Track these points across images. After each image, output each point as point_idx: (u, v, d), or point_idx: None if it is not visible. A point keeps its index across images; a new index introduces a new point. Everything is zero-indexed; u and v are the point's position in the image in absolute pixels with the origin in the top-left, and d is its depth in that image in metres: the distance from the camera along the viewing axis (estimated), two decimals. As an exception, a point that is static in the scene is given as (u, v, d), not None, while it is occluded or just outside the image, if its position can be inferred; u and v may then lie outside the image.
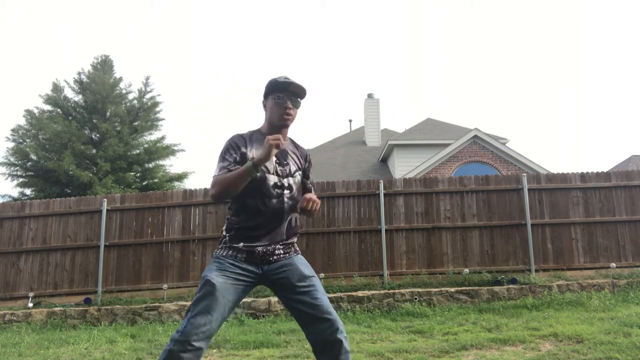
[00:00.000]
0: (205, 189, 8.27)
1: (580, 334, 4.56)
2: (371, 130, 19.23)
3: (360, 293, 7.13)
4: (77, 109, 17.45)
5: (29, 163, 16.67)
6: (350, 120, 27.49)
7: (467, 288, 7.14)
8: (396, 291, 7.12)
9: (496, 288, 7.07)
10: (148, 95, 18.43)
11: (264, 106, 2.35)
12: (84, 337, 5.82)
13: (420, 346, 4.54)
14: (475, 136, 13.86)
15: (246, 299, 6.96)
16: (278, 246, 2.27)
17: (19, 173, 16.72)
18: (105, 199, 8.32)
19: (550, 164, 19.28)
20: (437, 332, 5.20)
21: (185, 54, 66.58)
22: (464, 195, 8.21)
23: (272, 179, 2.24)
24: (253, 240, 2.21)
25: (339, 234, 8.10)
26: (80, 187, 15.56)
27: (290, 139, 2.43)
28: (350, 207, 8.21)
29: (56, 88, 17.25)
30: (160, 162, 18.09)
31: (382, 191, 8.15)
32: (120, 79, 18.15)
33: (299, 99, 2.32)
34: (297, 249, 2.40)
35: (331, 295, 7.09)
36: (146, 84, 18.44)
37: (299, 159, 2.40)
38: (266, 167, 2.22)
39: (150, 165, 17.85)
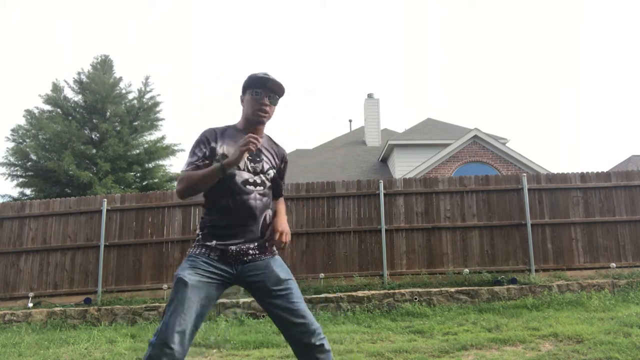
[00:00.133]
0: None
1: (580, 334, 4.56)
2: (371, 130, 19.24)
3: (360, 293, 7.13)
4: (77, 109, 17.45)
5: (29, 163, 16.67)
6: (350, 120, 27.52)
7: (467, 288, 7.14)
8: (396, 291, 7.12)
9: (496, 288, 7.07)
10: (148, 95, 18.44)
11: (242, 101, 2.31)
12: (84, 337, 5.82)
13: (420, 346, 4.55)
14: (475, 136, 13.86)
15: (247, 299, 6.96)
16: (252, 245, 2.21)
17: (19, 173, 16.72)
18: (105, 199, 8.32)
19: (550, 164, 19.29)
20: (437, 332, 5.20)
21: (185, 54, 66.60)
22: (464, 195, 8.21)
23: (243, 176, 2.20)
24: (226, 238, 2.17)
25: (339, 234, 8.10)
26: (80, 187, 15.56)
27: (268, 137, 2.38)
28: (350, 207, 8.21)
29: (56, 88, 17.24)
30: (160, 162, 18.11)
31: (382, 191, 8.15)
32: (120, 79, 18.15)
33: (277, 96, 2.27)
34: (275, 249, 2.31)
35: (331, 295, 7.10)
36: (146, 84, 18.44)
37: (274, 158, 2.35)
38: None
39: (150, 165, 17.85)
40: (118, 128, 17.38)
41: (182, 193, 2.15)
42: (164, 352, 1.93)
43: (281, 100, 2.31)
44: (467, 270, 7.75)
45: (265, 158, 2.30)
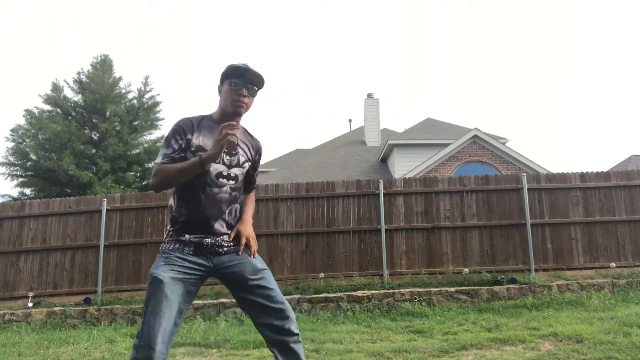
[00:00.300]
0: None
1: (580, 334, 4.56)
2: (371, 130, 19.23)
3: (360, 293, 7.13)
4: (77, 109, 17.46)
5: (29, 163, 16.68)
6: (350, 120, 27.54)
7: (467, 288, 7.14)
8: (396, 291, 7.12)
9: (496, 288, 7.07)
10: (148, 95, 18.46)
11: (219, 91, 2.25)
12: (84, 337, 5.82)
13: (420, 346, 4.54)
14: (475, 136, 13.86)
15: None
16: (226, 237, 2.19)
17: (19, 173, 16.73)
18: (105, 199, 8.32)
19: (550, 164, 19.30)
20: (437, 332, 5.20)
21: (185, 54, 66.60)
22: (464, 195, 8.21)
23: (218, 169, 2.16)
24: (200, 232, 2.14)
25: (339, 234, 8.10)
26: (80, 187, 15.57)
27: (244, 128, 2.34)
28: (350, 207, 8.21)
29: (56, 88, 17.26)
30: (160, 162, 18.09)
31: (382, 191, 8.15)
32: (120, 78, 18.18)
33: (255, 88, 2.22)
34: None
35: (331, 295, 7.10)
36: (146, 84, 18.47)
37: (250, 151, 2.31)
38: None
39: (150, 165, 17.86)
40: (118, 128, 17.39)
41: (157, 187, 2.09)
42: (148, 354, 1.91)
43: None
44: (467, 270, 7.75)
45: (241, 151, 2.26)
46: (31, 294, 7.93)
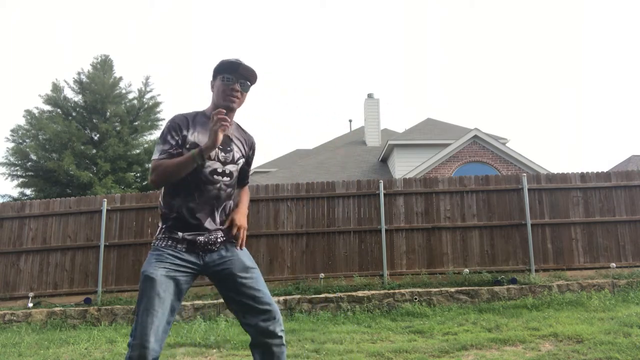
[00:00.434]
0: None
1: (580, 334, 4.56)
2: (371, 130, 19.23)
3: (360, 293, 7.13)
4: (77, 109, 17.46)
5: (29, 163, 16.68)
6: (350, 120, 27.56)
7: (467, 288, 7.14)
8: (396, 291, 7.12)
9: (496, 288, 7.07)
10: (148, 95, 18.46)
11: (212, 87, 2.24)
12: (84, 337, 5.82)
13: (420, 346, 4.54)
14: (475, 136, 13.86)
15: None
16: (219, 234, 2.19)
17: (19, 173, 16.73)
18: (105, 199, 8.32)
19: (550, 164, 19.32)
20: (437, 332, 5.20)
21: (185, 54, 66.58)
22: (464, 195, 8.21)
23: (213, 165, 2.15)
24: (193, 229, 2.13)
25: (339, 234, 8.10)
26: (80, 187, 15.57)
27: (237, 124, 2.33)
28: (350, 207, 8.20)
29: (56, 88, 17.26)
30: (161, 162, 18.11)
31: (382, 191, 8.15)
32: (120, 78, 18.18)
33: (248, 83, 2.21)
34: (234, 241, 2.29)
35: (331, 295, 7.09)
36: (146, 84, 18.47)
37: (244, 146, 2.30)
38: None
39: (150, 165, 17.85)
40: (118, 128, 17.39)
41: (157, 182, 2.08)
42: (141, 352, 1.93)
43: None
44: (467, 270, 7.75)
45: (235, 147, 2.25)
46: (31, 294, 7.93)
